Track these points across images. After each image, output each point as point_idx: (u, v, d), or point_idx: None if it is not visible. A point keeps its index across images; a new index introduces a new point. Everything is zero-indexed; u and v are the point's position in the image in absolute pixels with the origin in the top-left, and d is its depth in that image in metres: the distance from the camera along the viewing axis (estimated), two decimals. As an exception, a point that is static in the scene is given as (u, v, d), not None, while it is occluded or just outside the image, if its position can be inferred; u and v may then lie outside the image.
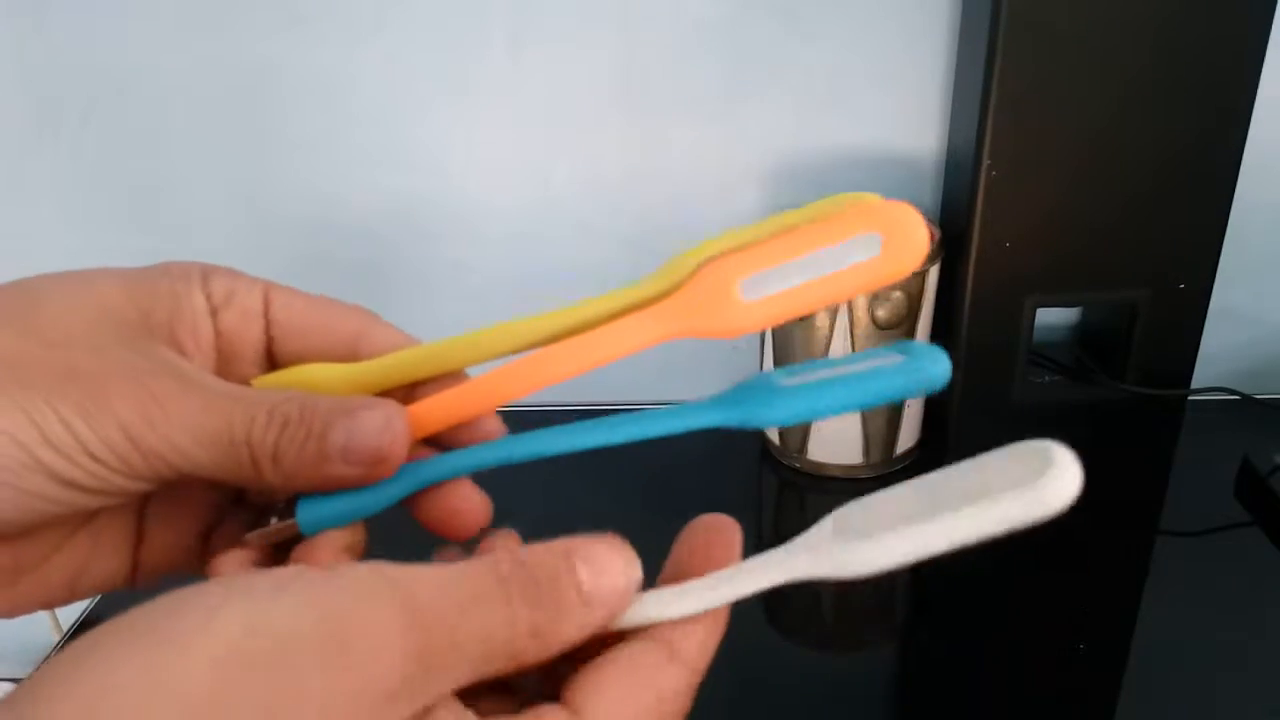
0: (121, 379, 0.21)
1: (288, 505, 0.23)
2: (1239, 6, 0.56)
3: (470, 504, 0.24)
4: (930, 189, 0.68)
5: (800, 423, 0.23)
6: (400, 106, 0.67)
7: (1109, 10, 0.55)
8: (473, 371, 0.25)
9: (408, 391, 0.25)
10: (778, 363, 0.62)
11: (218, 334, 0.24)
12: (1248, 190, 0.60)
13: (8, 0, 0.64)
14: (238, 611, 0.16)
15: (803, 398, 0.22)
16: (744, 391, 0.23)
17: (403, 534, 0.24)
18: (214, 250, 0.24)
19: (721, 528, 0.22)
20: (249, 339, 0.25)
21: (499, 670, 0.19)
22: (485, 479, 0.25)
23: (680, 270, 0.23)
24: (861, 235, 0.22)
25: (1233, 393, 0.66)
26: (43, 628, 0.80)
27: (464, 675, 0.18)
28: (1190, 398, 0.67)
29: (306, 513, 0.23)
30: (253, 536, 0.23)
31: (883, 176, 0.69)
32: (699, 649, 0.21)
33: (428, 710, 0.18)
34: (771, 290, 0.22)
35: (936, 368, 0.22)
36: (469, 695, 0.19)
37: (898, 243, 0.22)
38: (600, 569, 0.20)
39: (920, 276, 0.58)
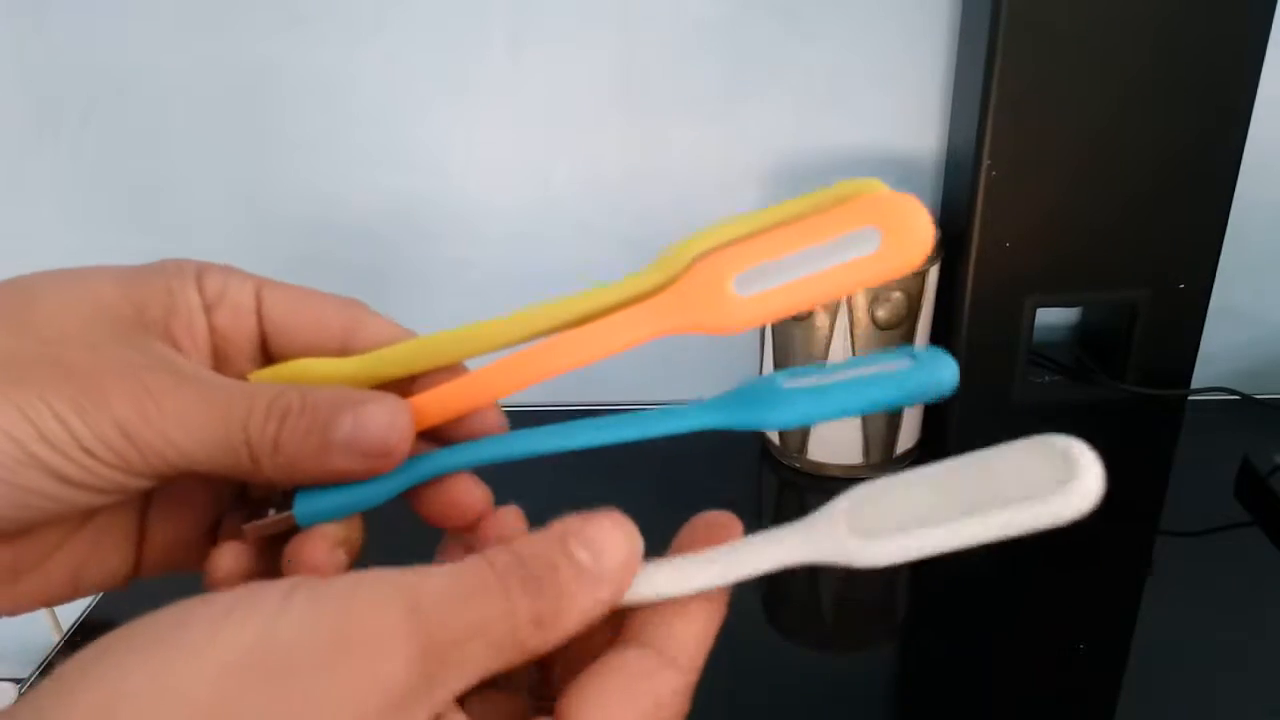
0: (117, 374, 0.21)
1: (285, 497, 0.23)
2: (1239, 6, 0.56)
3: (471, 497, 0.24)
4: (930, 189, 0.68)
5: (802, 426, 0.23)
6: (400, 106, 0.67)
7: (1109, 10, 0.55)
8: (468, 365, 0.25)
9: (403, 385, 0.25)
10: (778, 363, 0.62)
11: (212, 330, 0.24)
12: (1248, 190, 0.60)
13: (8, 0, 0.64)
14: (245, 621, 0.16)
15: (805, 401, 0.22)
16: (746, 393, 0.23)
17: (401, 526, 0.24)
18: (214, 250, 0.25)
19: (723, 524, 0.22)
20: (243, 335, 0.25)
21: (511, 663, 0.19)
22: (485, 477, 0.25)
23: (676, 262, 0.23)
24: (861, 229, 0.21)
25: (1233, 393, 0.66)
26: (43, 628, 0.80)
27: (472, 673, 0.18)
28: (1190, 398, 0.67)
29: (304, 505, 0.23)
30: (249, 528, 0.23)
31: (883, 176, 0.67)
32: (693, 651, 0.21)
33: (437, 718, 0.18)
34: (767, 285, 0.22)
35: (943, 375, 0.21)
36: (469, 709, 0.19)
37: (899, 238, 0.21)
38: (600, 548, 0.20)
39: (920, 276, 0.58)
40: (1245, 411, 0.67)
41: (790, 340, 0.61)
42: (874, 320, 0.58)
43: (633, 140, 0.68)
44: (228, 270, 0.25)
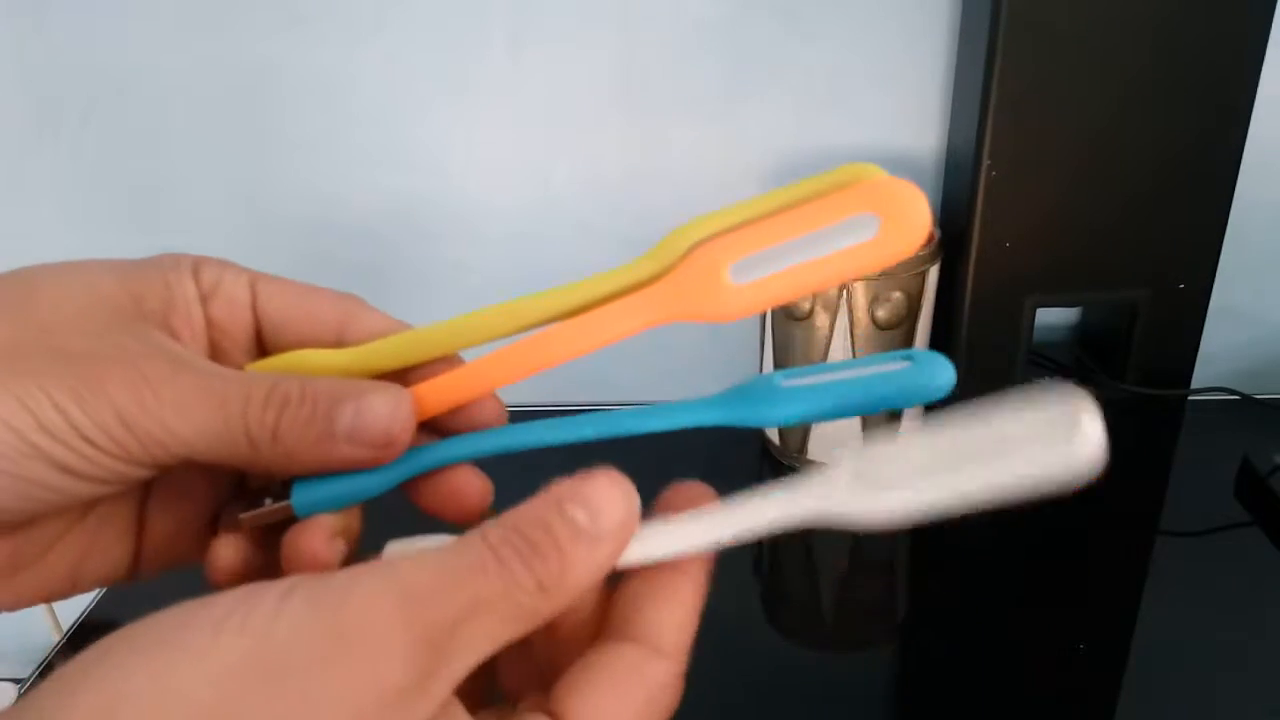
0: (114, 362, 0.21)
1: (283, 487, 0.23)
2: (1239, 6, 0.56)
3: (471, 487, 0.24)
4: (930, 189, 0.68)
5: (799, 424, 0.23)
6: (400, 107, 0.67)
7: (1109, 10, 0.55)
8: (463, 356, 0.25)
9: (398, 377, 0.25)
10: (778, 363, 0.62)
11: (208, 323, 0.24)
12: (1248, 190, 0.60)
13: (8, 0, 0.64)
14: (244, 623, 0.16)
15: (803, 400, 0.22)
16: (745, 391, 0.23)
17: (401, 516, 0.24)
18: (214, 250, 0.25)
19: (698, 494, 0.22)
20: (238, 328, 0.25)
21: (524, 631, 0.19)
22: (483, 472, 0.25)
23: (671, 251, 0.23)
24: (858, 215, 0.21)
25: (1233, 393, 0.66)
26: (42, 628, 0.80)
27: (481, 649, 0.18)
28: (1190, 398, 0.67)
29: (302, 495, 0.23)
30: (247, 518, 0.23)
31: (883, 176, 0.69)
32: (679, 637, 0.21)
33: (441, 708, 0.18)
34: (763, 273, 0.22)
35: (939, 378, 0.21)
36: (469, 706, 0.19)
37: (896, 224, 0.20)
38: (597, 507, 0.19)
39: (920, 276, 0.58)
40: (1245, 411, 0.67)
41: (790, 340, 0.61)
42: (874, 320, 0.58)
43: (633, 140, 0.68)
44: (223, 264, 0.25)
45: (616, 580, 0.22)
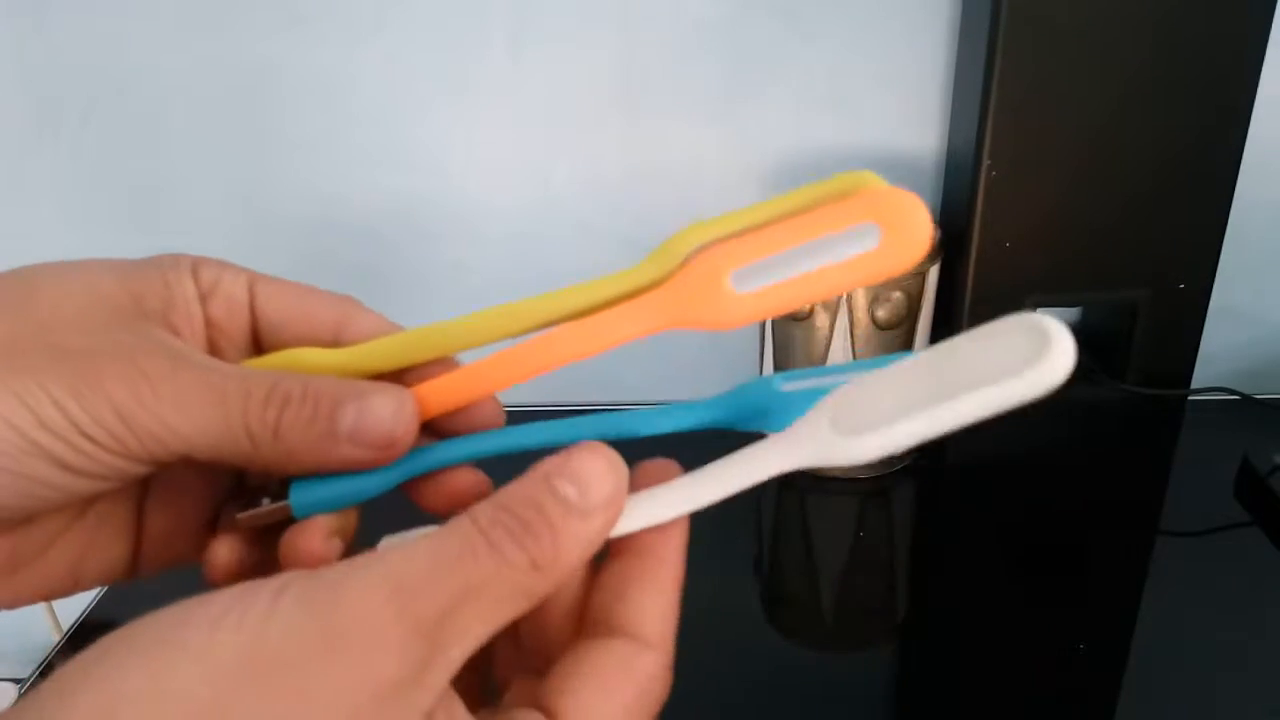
0: (112, 358, 0.21)
1: (281, 487, 0.23)
2: (1239, 6, 0.56)
3: (471, 487, 0.24)
4: (930, 189, 0.68)
5: None
6: (400, 106, 0.67)
7: (1109, 9, 0.55)
8: (461, 358, 0.25)
9: (394, 378, 0.25)
10: (778, 364, 0.62)
11: (207, 322, 0.24)
12: (1248, 190, 0.60)
13: (8, 0, 0.64)
14: (240, 622, 0.16)
15: (802, 403, 0.22)
16: (744, 393, 0.23)
17: (398, 515, 0.24)
18: (214, 250, 0.25)
19: (667, 471, 0.22)
20: (236, 328, 0.25)
21: (522, 611, 0.19)
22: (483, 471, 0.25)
23: (672, 257, 0.23)
24: (860, 225, 0.21)
25: (1233, 393, 0.66)
26: (42, 628, 0.80)
27: (476, 634, 0.18)
28: (1190, 398, 0.67)
29: (300, 495, 0.23)
30: (244, 517, 0.23)
31: (883, 176, 0.69)
32: (662, 626, 0.21)
33: (439, 699, 0.18)
34: (764, 282, 0.22)
35: None
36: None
37: (898, 235, 0.21)
38: (585, 481, 0.20)
39: (920, 276, 0.58)
40: (1245, 411, 0.67)
41: (790, 340, 0.61)
42: (874, 320, 0.58)
43: (633, 140, 0.68)
44: (222, 264, 0.25)
45: (602, 559, 0.22)
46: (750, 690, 0.47)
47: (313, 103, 0.67)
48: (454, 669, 0.18)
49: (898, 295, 0.57)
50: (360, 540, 0.24)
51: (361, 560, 0.18)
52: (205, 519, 0.26)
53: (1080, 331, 0.73)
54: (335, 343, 0.25)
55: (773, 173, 0.68)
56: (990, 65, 0.57)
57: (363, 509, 0.24)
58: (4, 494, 0.20)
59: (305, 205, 0.70)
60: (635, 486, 0.22)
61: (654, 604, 0.21)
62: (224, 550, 0.24)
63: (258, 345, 0.25)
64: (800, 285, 0.22)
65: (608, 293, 0.23)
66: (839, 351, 0.59)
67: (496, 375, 0.24)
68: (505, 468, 0.24)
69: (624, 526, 0.21)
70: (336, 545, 0.23)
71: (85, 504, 0.24)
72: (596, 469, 0.20)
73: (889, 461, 0.62)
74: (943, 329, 0.63)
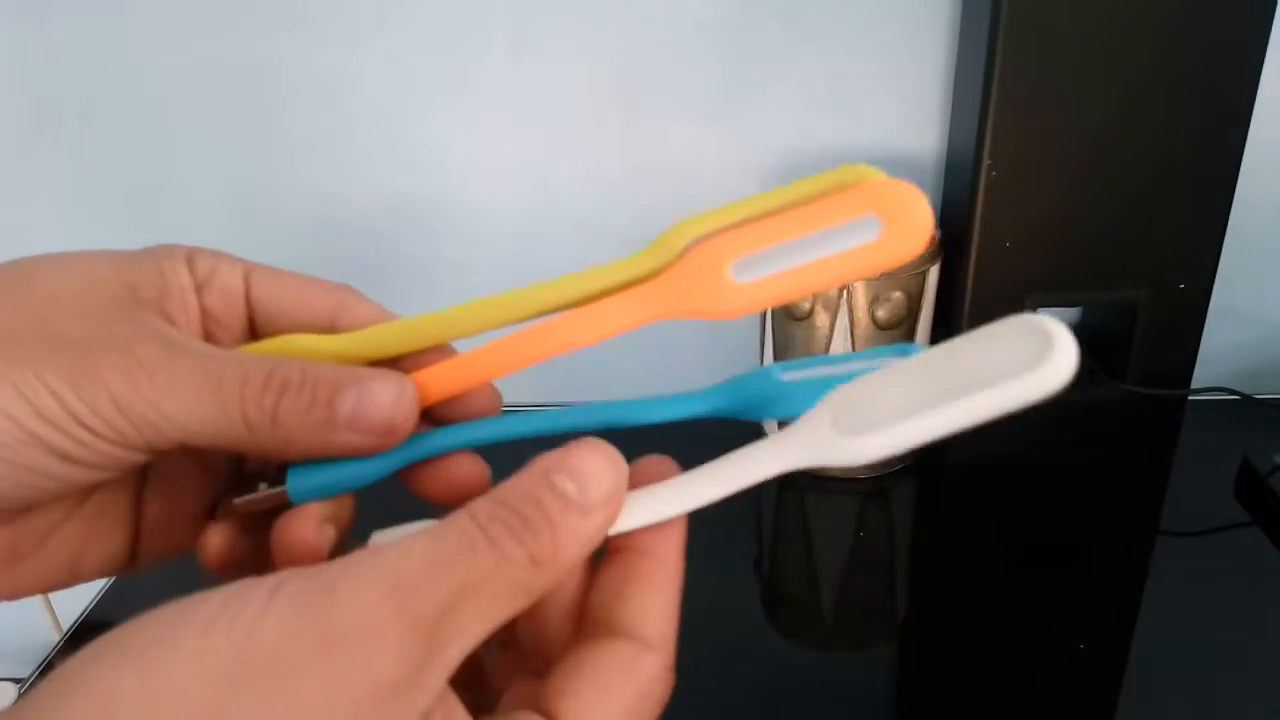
0: (109, 347, 0.20)
1: (278, 472, 0.23)
2: (1239, 6, 0.56)
3: (469, 473, 0.24)
4: (930, 189, 0.68)
5: (796, 417, 0.23)
6: (400, 106, 0.67)
7: (1109, 10, 0.55)
8: (457, 346, 0.25)
9: (390, 365, 0.25)
10: (778, 360, 0.62)
11: (203, 312, 0.24)
12: (1248, 190, 0.60)
13: (8, 0, 0.64)
14: (235, 621, 0.16)
15: (800, 394, 0.22)
16: (743, 383, 0.23)
17: (392, 502, 0.24)
18: (216, 249, 0.25)
19: (664, 469, 0.22)
20: (232, 317, 0.25)
21: (521, 608, 0.19)
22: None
23: (670, 247, 0.23)
24: (861, 217, 0.21)
25: (1233, 393, 0.66)
26: (42, 627, 0.80)
27: (475, 632, 0.18)
28: (1190, 398, 0.67)
29: (297, 481, 0.23)
30: (240, 502, 0.23)
31: (883, 176, 0.69)
32: (663, 626, 0.21)
33: (438, 699, 0.18)
34: (764, 272, 0.22)
35: None
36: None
37: (898, 227, 0.20)
38: (585, 477, 0.19)
39: (920, 276, 0.58)
40: (1245, 411, 0.67)
41: (790, 339, 0.61)
42: (874, 320, 0.58)
43: (633, 140, 0.68)
44: (217, 254, 0.25)
45: (600, 558, 0.22)
46: (750, 690, 0.47)
47: (313, 103, 0.67)
48: (452, 668, 0.18)
49: (898, 295, 0.57)
50: (355, 530, 0.24)
51: (358, 558, 0.18)
52: (204, 508, 0.26)
53: (1080, 331, 0.73)
54: (331, 330, 0.25)
55: (772, 172, 0.68)
56: (990, 65, 0.57)
57: (357, 498, 0.24)
58: (2, 484, 0.20)
59: (305, 205, 0.70)
60: (633, 484, 0.22)
61: (654, 605, 0.21)
62: (217, 537, 0.23)
63: (254, 335, 0.25)
64: (800, 276, 0.21)
65: (606, 282, 0.23)
66: (837, 350, 0.59)
67: (494, 362, 0.24)
68: (504, 456, 0.24)
69: (623, 524, 0.21)
70: (329, 533, 0.23)
71: (84, 494, 0.24)
72: (596, 465, 0.20)
73: (889, 461, 0.62)
74: (943, 329, 0.63)
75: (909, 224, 0.21)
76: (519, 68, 0.66)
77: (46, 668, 0.54)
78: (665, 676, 0.20)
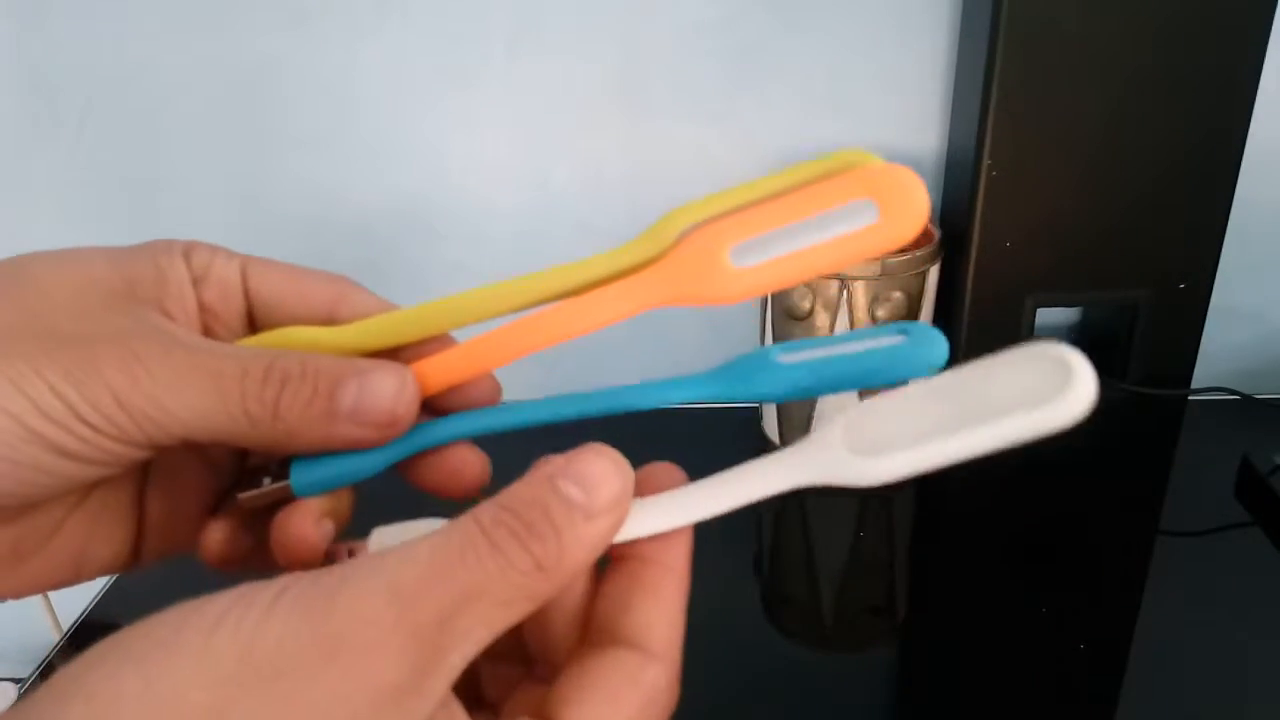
0: (107, 343, 0.20)
1: (281, 467, 0.23)
2: (1239, 6, 0.56)
3: (469, 464, 0.24)
4: (930, 189, 0.68)
5: (795, 399, 0.23)
6: (400, 105, 0.67)
7: (1109, 10, 0.55)
8: (456, 336, 0.25)
9: (389, 355, 0.25)
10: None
11: (201, 307, 0.24)
12: (1248, 189, 0.60)
13: (7, 0, 0.64)
14: (237, 626, 0.16)
15: (798, 375, 0.22)
16: (741, 365, 0.23)
17: (390, 496, 0.24)
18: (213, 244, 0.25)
19: (671, 476, 0.22)
20: (230, 311, 0.25)
21: (525, 613, 0.19)
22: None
23: (667, 234, 0.23)
24: (858, 201, 0.21)
25: (1233, 393, 0.66)
26: (42, 627, 0.80)
27: (478, 638, 0.18)
28: (1190, 398, 0.67)
29: (300, 475, 0.23)
30: (244, 498, 0.23)
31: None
32: (669, 635, 0.21)
33: (441, 704, 0.18)
34: (763, 257, 0.22)
35: (935, 350, 0.21)
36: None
37: (895, 210, 0.21)
38: (591, 482, 0.19)
39: (920, 276, 0.58)
40: (1245, 411, 0.67)
41: (790, 336, 0.60)
42: (874, 319, 0.58)
43: (633, 140, 0.68)
44: (214, 248, 0.25)
45: (605, 565, 0.22)
46: (750, 690, 0.47)
47: (313, 102, 0.67)
48: (455, 674, 0.18)
49: (898, 295, 0.57)
50: (354, 526, 0.24)
51: (358, 564, 0.18)
52: (206, 505, 0.25)
53: (1080, 331, 0.73)
54: (329, 322, 0.25)
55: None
56: (990, 65, 0.57)
57: (356, 492, 0.24)
58: (2, 482, 0.20)
59: (305, 204, 0.70)
60: (640, 491, 0.22)
61: (660, 614, 0.21)
62: (218, 534, 0.23)
63: (252, 328, 0.25)
64: (799, 259, 0.21)
65: (603, 270, 0.23)
66: (839, 351, 0.59)
67: (494, 352, 0.23)
68: (505, 448, 0.24)
69: (630, 532, 0.21)
70: (328, 527, 0.23)
71: (85, 492, 0.24)
72: (602, 470, 0.20)
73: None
74: (943, 328, 0.63)
75: (906, 208, 0.21)
76: (519, 67, 0.66)
77: (46, 668, 0.54)
78: (671, 687, 0.20)
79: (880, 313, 0.58)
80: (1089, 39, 0.56)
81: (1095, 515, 0.59)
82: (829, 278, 0.56)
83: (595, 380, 0.23)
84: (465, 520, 0.19)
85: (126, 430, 0.20)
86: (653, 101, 0.67)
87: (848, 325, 0.58)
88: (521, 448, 0.21)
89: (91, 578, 0.24)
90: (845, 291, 0.57)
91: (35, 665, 0.54)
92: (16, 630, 0.85)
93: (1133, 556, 0.57)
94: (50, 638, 0.79)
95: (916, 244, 0.59)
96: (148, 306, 0.22)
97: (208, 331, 0.24)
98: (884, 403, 0.20)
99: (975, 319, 0.63)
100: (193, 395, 0.20)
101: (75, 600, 0.54)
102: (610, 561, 0.22)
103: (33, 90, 0.67)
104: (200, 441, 0.21)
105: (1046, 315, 0.69)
